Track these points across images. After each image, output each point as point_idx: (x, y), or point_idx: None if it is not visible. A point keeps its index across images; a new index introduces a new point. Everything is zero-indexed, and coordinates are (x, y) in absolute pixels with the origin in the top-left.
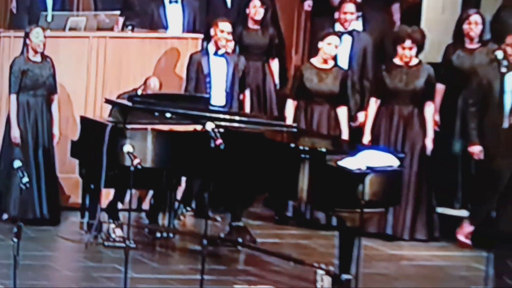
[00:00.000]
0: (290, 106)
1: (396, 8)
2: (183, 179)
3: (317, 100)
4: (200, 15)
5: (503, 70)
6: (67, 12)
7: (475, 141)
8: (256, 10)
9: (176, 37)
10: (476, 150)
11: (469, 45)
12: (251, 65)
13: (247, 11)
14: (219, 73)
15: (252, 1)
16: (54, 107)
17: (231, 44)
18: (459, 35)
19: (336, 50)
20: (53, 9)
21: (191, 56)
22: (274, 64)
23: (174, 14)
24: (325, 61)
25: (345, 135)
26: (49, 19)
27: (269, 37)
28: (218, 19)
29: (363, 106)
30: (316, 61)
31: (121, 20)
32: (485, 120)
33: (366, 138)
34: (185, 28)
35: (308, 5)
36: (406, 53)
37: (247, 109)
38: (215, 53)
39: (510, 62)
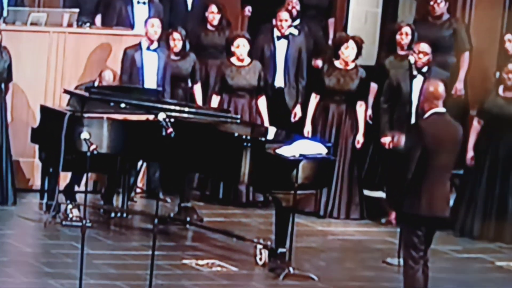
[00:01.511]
0: (215, 100)
1: (331, 23)
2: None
3: (239, 94)
4: (164, 17)
5: (414, 73)
6: (29, 8)
7: (386, 133)
8: (213, 16)
9: (129, 34)
10: (387, 141)
11: (400, 52)
12: (211, 64)
13: (206, 14)
14: (151, 67)
15: (210, 7)
16: (8, 96)
17: (179, 44)
18: (392, 43)
19: (245, 49)
20: (8, 5)
21: (125, 51)
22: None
23: (141, 14)
24: (241, 60)
25: (266, 122)
26: (4, 13)
27: (225, 38)
28: (148, 18)
29: (298, 101)
30: (234, 60)
31: (66, 16)
32: (395, 115)
33: (307, 129)
34: None
35: (248, 10)
36: (349, 53)
37: (198, 101)
38: (148, 48)
39: (417, 67)
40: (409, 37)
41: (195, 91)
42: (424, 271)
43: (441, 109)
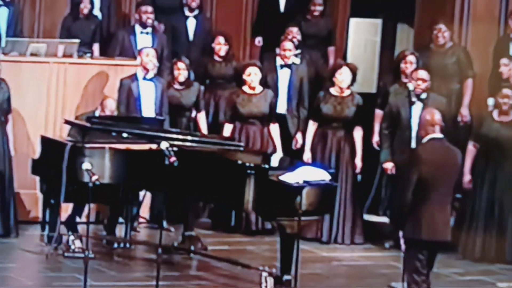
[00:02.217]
0: (227, 129)
1: (331, 51)
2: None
3: (251, 121)
4: (167, 47)
5: (413, 99)
6: (28, 39)
7: (388, 159)
8: (220, 47)
9: (131, 64)
10: (389, 166)
11: (404, 80)
12: (219, 94)
13: (213, 45)
14: (148, 96)
15: (217, 38)
16: (9, 128)
17: (184, 73)
18: (396, 71)
19: (256, 77)
20: (7, 35)
21: (121, 81)
22: None
23: (144, 44)
24: (253, 88)
25: (278, 150)
26: (2, 44)
27: (232, 68)
28: (142, 48)
29: (298, 130)
30: (245, 88)
31: (61, 48)
32: (395, 141)
33: (306, 156)
34: None
35: (258, 41)
36: (343, 78)
37: (203, 129)
38: (144, 78)
39: (415, 94)
40: (414, 65)
41: (199, 119)
42: None
43: (438, 134)
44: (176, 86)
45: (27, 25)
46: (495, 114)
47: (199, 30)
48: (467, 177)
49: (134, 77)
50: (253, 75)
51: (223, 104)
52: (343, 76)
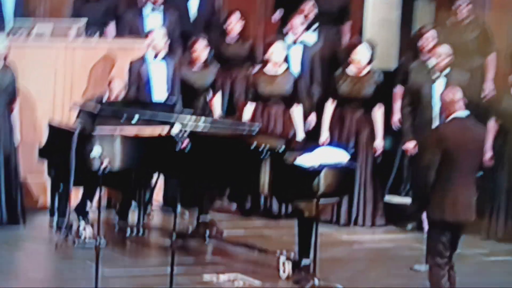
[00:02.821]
0: (249, 109)
1: (347, 27)
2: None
3: (272, 102)
4: (179, 26)
5: (435, 76)
6: (34, 19)
7: (409, 138)
8: (234, 25)
9: (141, 44)
10: (410, 146)
11: (423, 57)
12: (235, 74)
13: (227, 23)
14: (159, 78)
15: (231, 16)
16: (15, 113)
17: (204, 53)
18: (415, 48)
19: (282, 54)
20: (15, 15)
21: (130, 63)
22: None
23: (154, 23)
24: (277, 66)
25: (300, 133)
26: (8, 26)
27: (248, 47)
28: (151, 29)
29: (313, 109)
30: (268, 68)
31: (74, 28)
32: (417, 120)
33: (324, 136)
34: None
35: (279, 12)
36: (360, 58)
37: (217, 110)
38: (155, 58)
39: (438, 69)
40: (433, 41)
41: (213, 101)
42: (451, 276)
43: (461, 113)
44: (196, 66)
45: (34, 5)
46: None
47: (203, 7)
48: (488, 154)
49: (143, 59)
50: (276, 52)
51: (238, 85)
52: (359, 56)
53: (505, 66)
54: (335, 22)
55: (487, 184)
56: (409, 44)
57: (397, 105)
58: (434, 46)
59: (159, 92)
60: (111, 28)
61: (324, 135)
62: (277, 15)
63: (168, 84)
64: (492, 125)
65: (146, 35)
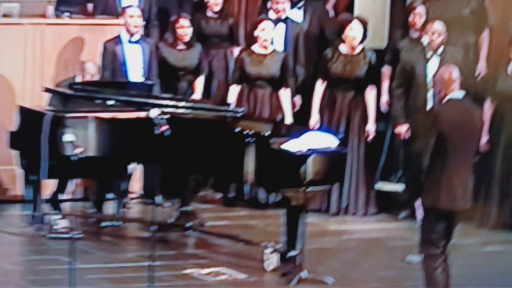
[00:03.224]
0: (234, 91)
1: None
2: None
3: (259, 84)
4: (156, 4)
5: (429, 55)
6: None
7: (401, 121)
8: (215, 0)
9: (115, 23)
10: (402, 130)
11: (413, 35)
12: (214, 54)
13: (206, 0)
14: (135, 60)
15: None
16: None
17: (188, 31)
18: (405, 25)
19: (271, 33)
20: None
21: (104, 44)
22: (236, 51)
23: (130, 1)
24: (265, 47)
25: (288, 117)
26: None
27: (228, 26)
28: (125, 7)
29: (298, 90)
30: (255, 48)
31: (50, 8)
32: (410, 101)
33: (314, 119)
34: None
35: None
36: (354, 34)
37: (198, 92)
38: (129, 40)
39: (431, 48)
40: (423, 18)
41: (196, 83)
42: (445, 268)
43: (458, 94)
44: (180, 46)
45: None
46: (510, 68)
47: None
48: (484, 138)
49: (118, 39)
50: (267, 30)
51: (217, 65)
52: (354, 32)
53: (502, 43)
54: None
55: (480, 170)
56: (398, 20)
57: (385, 86)
58: (426, 23)
59: (135, 75)
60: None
61: (314, 118)
62: None
63: (145, 67)
64: (488, 107)
65: (121, 14)
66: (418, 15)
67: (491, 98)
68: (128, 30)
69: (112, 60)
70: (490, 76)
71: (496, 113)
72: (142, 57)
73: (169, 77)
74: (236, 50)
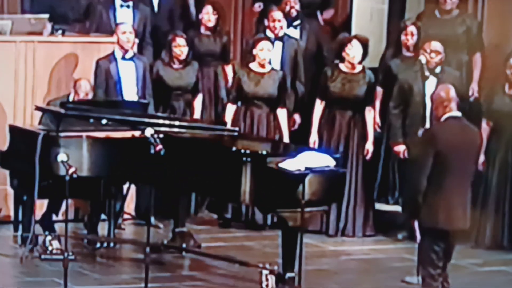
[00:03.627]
0: (230, 110)
1: (328, 14)
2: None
3: (256, 103)
4: (150, 22)
5: (427, 74)
6: None
7: (399, 141)
8: (208, 17)
9: (108, 41)
10: (401, 149)
11: (406, 53)
12: (205, 72)
13: (200, 17)
14: (128, 78)
15: (205, 8)
16: None
17: (184, 50)
18: (397, 44)
19: (269, 53)
20: None
21: (97, 62)
22: (229, 70)
23: (124, 19)
24: (262, 66)
25: (285, 137)
26: None
27: (221, 44)
28: (118, 24)
29: (297, 108)
30: (253, 65)
31: (49, 24)
32: (407, 120)
33: (313, 138)
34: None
35: (258, 6)
36: (354, 53)
37: (197, 113)
38: (123, 58)
39: (429, 68)
40: (415, 37)
41: (195, 103)
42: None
43: (456, 113)
44: (175, 65)
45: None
46: (506, 87)
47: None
48: (481, 158)
49: (111, 57)
50: (265, 50)
51: (207, 84)
52: (354, 51)
53: (499, 62)
54: (319, 10)
55: (476, 190)
56: (392, 39)
57: (377, 106)
58: (428, 41)
59: (129, 93)
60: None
61: (313, 137)
62: (257, 8)
63: (138, 86)
64: (484, 127)
65: (113, 32)
66: (410, 34)
67: (487, 117)
68: (121, 47)
69: (106, 78)
70: (485, 96)
71: (492, 133)
72: (135, 74)
73: (166, 96)
74: (228, 68)
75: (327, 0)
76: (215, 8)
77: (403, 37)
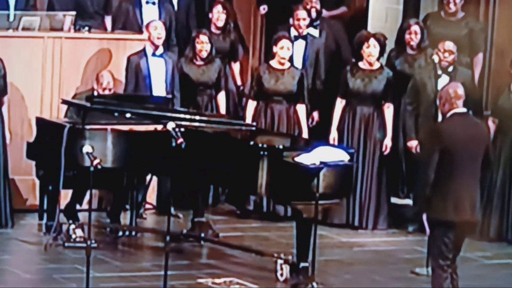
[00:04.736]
0: (251, 106)
1: (340, 11)
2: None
3: (276, 100)
4: (175, 19)
5: (439, 72)
6: (20, 12)
7: (412, 137)
8: (218, 16)
9: (133, 38)
10: (414, 144)
11: (409, 51)
12: None
13: (210, 16)
14: (158, 74)
15: (215, 7)
16: (4, 109)
17: (207, 47)
18: (401, 43)
19: (289, 52)
20: (16, 9)
21: (128, 58)
22: (236, 67)
23: (150, 16)
24: (282, 63)
25: (304, 132)
26: (11, 18)
27: (230, 42)
28: (149, 21)
29: (316, 106)
30: (273, 63)
31: (68, 20)
32: (420, 118)
33: (332, 136)
34: None
35: (263, 8)
36: (371, 51)
37: (222, 109)
38: (153, 54)
39: (441, 66)
40: (419, 36)
41: (219, 100)
42: (454, 279)
43: (462, 109)
44: (198, 62)
45: None
46: (511, 87)
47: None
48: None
49: (142, 53)
50: (285, 49)
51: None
52: (371, 49)
53: (503, 63)
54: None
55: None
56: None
57: None
58: (441, 41)
59: (159, 89)
60: (108, 21)
61: (333, 134)
62: (262, 11)
63: (167, 81)
64: (490, 125)
65: (146, 28)
66: (414, 33)
67: (493, 115)
68: (152, 43)
69: (136, 73)
70: (492, 95)
71: (497, 130)
72: (165, 70)
73: (190, 92)
74: (235, 65)
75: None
76: (225, 7)
77: (407, 36)
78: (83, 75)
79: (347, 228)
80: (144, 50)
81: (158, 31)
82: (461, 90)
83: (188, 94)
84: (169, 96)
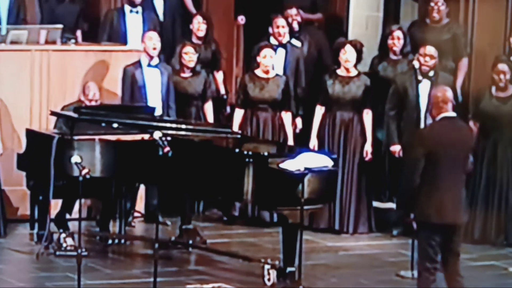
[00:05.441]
0: (238, 114)
1: (316, 17)
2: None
3: (261, 108)
4: (158, 28)
5: (420, 78)
6: (8, 26)
7: (395, 142)
8: (199, 26)
9: (119, 49)
10: (397, 149)
11: (392, 57)
12: None
13: (191, 27)
14: (154, 84)
15: (195, 18)
16: None
17: (194, 57)
18: (384, 48)
19: (272, 60)
20: (8, 23)
21: (125, 69)
22: (219, 76)
23: (134, 25)
24: (266, 72)
25: (290, 139)
26: (3, 32)
27: (211, 52)
28: (144, 31)
29: (298, 113)
30: (258, 72)
31: (43, 34)
32: (402, 122)
33: (312, 143)
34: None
35: (241, 19)
36: (347, 57)
37: (209, 118)
38: (149, 65)
39: (422, 71)
40: (401, 41)
41: (206, 109)
42: (458, 282)
43: (451, 113)
44: (185, 73)
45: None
46: (493, 90)
47: (168, 11)
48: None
49: (138, 64)
50: (268, 57)
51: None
52: (347, 55)
53: (484, 66)
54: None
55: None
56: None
57: None
58: (422, 46)
59: (154, 99)
60: (79, 34)
61: (312, 142)
62: (240, 21)
63: (163, 92)
64: (472, 127)
65: (142, 38)
66: (396, 38)
67: (474, 118)
68: (147, 54)
69: (132, 83)
70: (473, 98)
71: (479, 132)
72: (160, 81)
73: (180, 102)
74: (218, 74)
75: (315, 5)
76: (204, 17)
77: (389, 41)
78: (71, 87)
79: (328, 232)
80: (139, 61)
81: (153, 42)
82: (449, 94)
83: (177, 104)
84: (154, 106)
